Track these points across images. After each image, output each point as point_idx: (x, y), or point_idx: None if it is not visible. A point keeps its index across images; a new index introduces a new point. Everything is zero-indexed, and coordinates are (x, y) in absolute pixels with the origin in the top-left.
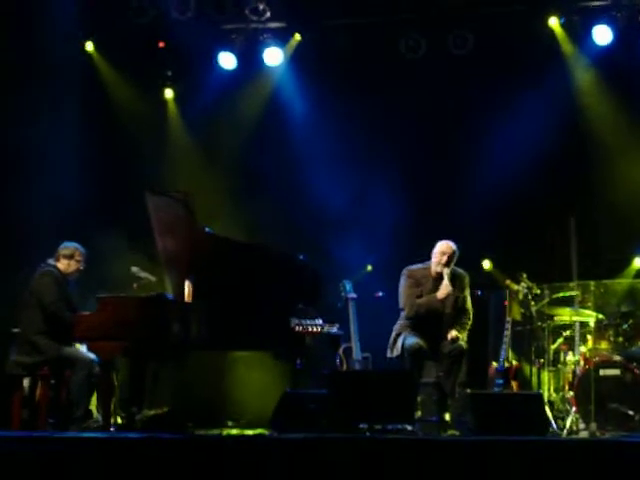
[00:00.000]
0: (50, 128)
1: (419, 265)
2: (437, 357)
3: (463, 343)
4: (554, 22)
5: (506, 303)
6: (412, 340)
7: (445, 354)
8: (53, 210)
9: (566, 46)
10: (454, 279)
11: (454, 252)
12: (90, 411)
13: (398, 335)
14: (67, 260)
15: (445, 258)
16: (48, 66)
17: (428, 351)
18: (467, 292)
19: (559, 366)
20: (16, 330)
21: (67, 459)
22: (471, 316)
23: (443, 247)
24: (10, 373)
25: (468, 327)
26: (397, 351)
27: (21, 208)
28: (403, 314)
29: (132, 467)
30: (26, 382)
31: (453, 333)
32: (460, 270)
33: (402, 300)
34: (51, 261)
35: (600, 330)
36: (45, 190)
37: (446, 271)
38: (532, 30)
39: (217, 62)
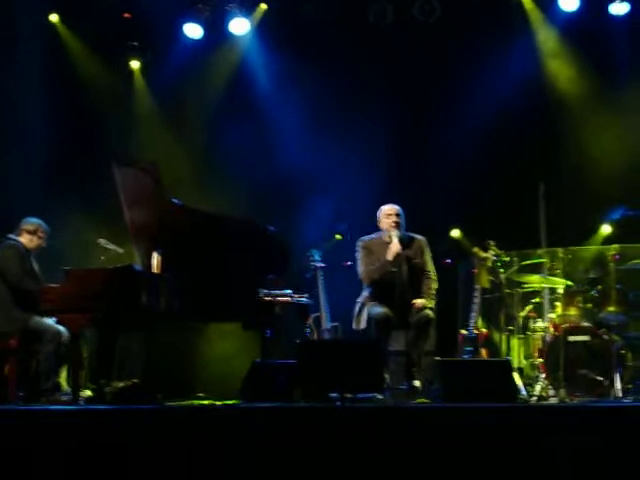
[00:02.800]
0: (14, 100)
1: (372, 235)
2: (404, 325)
3: (430, 312)
4: None
5: (475, 271)
6: (378, 310)
7: (412, 323)
8: (16, 182)
9: (532, 12)
10: (410, 243)
11: (397, 212)
12: (59, 383)
13: (362, 307)
14: (30, 235)
15: (392, 219)
16: (12, 37)
17: (395, 320)
18: (427, 256)
19: (528, 333)
20: None
21: (36, 432)
22: (436, 279)
23: (386, 210)
24: None
25: (433, 292)
26: (363, 323)
27: None
28: (365, 289)
29: (102, 439)
30: None
31: (419, 302)
32: (417, 235)
33: (359, 271)
34: (13, 236)
35: (569, 297)
36: (7, 162)
37: (394, 233)
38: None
39: (183, 32)
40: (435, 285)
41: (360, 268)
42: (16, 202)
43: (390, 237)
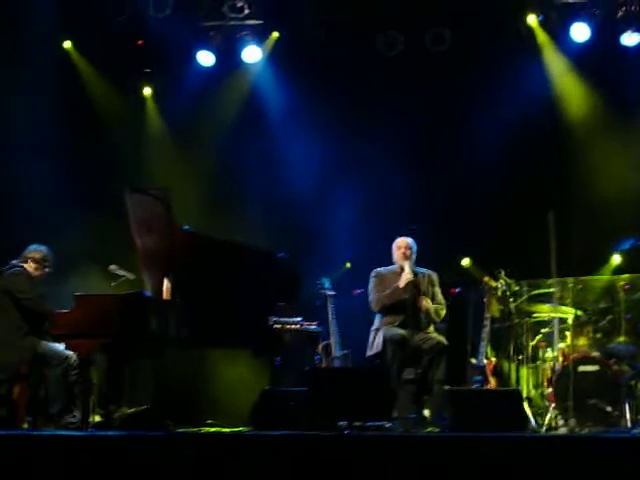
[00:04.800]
0: (27, 126)
1: (386, 267)
2: (415, 355)
3: (443, 339)
4: (532, 19)
5: (485, 300)
6: (393, 331)
7: (425, 350)
8: (28, 207)
9: (544, 43)
10: (421, 277)
11: (408, 245)
12: (68, 408)
13: (377, 332)
14: (36, 264)
15: (402, 251)
16: (26, 63)
17: (409, 342)
18: (437, 289)
19: (538, 362)
20: None
21: (45, 457)
22: (444, 307)
23: (398, 242)
24: None
25: (441, 311)
26: (377, 347)
27: None
28: (377, 316)
29: (111, 465)
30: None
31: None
32: (429, 270)
33: (370, 299)
34: (16, 262)
35: (578, 326)
36: (18, 186)
37: (407, 263)
38: (510, 27)
39: (195, 59)
40: (443, 311)
41: (371, 296)
42: (25, 226)
43: (402, 267)
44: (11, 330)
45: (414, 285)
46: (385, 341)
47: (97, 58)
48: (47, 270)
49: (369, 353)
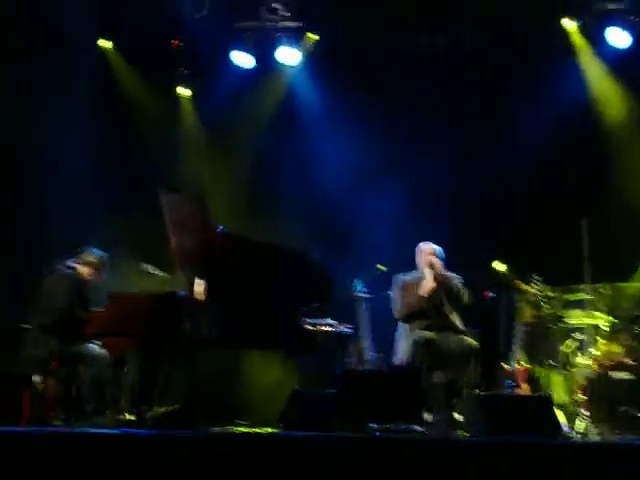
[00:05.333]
0: (65, 126)
1: (409, 273)
2: (446, 358)
3: (474, 342)
4: (570, 24)
5: (517, 305)
6: (420, 333)
7: (457, 353)
8: (68, 207)
9: (581, 47)
10: (445, 282)
11: (431, 252)
12: (101, 407)
13: (401, 339)
14: (89, 268)
15: (426, 258)
16: (64, 64)
17: (438, 347)
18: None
19: (570, 369)
20: (26, 326)
21: (77, 455)
22: (467, 294)
23: (421, 249)
24: (21, 371)
25: (465, 296)
26: (403, 354)
27: (36, 205)
28: (400, 323)
29: (143, 464)
30: (37, 378)
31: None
32: (453, 274)
33: (393, 307)
34: (71, 262)
35: (612, 333)
36: (59, 188)
37: (428, 271)
38: (547, 31)
39: (233, 61)
40: (466, 295)
41: (394, 304)
42: (65, 227)
43: (425, 275)
44: (44, 328)
45: (435, 292)
46: (412, 344)
47: (134, 59)
48: (101, 277)
49: (394, 360)
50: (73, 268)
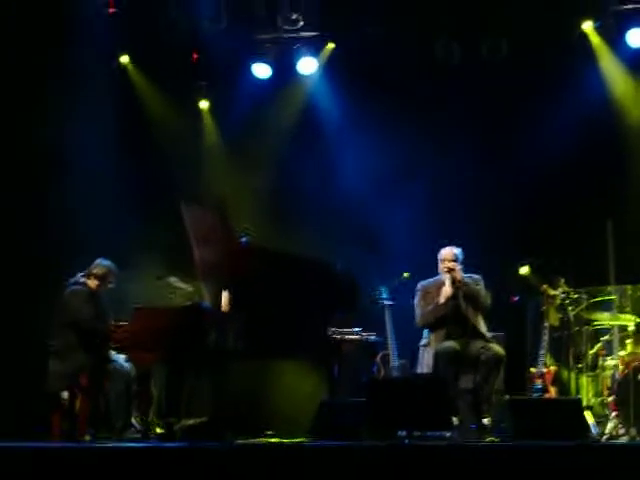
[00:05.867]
0: (86, 141)
1: (430, 280)
2: (473, 360)
3: (501, 350)
4: (588, 26)
5: (544, 308)
6: (445, 345)
7: (483, 361)
8: (90, 219)
9: (601, 50)
10: (463, 288)
11: (451, 258)
12: (129, 421)
13: (425, 349)
14: (98, 281)
15: (445, 264)
16: (84, 79)
17: (462, 356)
18: (480, 287)
19: (598, 371)
20: (52, 343)
21: (107, 470)
22: (488, 298)
23: (441, 254)
24: (49, 390)
25: (482, 291)
26: (427, 365)
27: (59, 219)
28: (425, 331)
29: (172, 477)
30: (65, 394)
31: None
32: (474, 275)
33: (415, 314)
34: (81, 277)
35: (639, 334)
36: (81, 200)
37: (448, 277)
38: (566, 35)
39: (251, 72)
40: (487, 298)
41: (416, 311)
42: (85, 241)
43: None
44: (69, 344)
45: (455, 299)
46: (437, 356)
47: (153, 73)
48: (109, 286)
49: (420, 370)
50: (83, 282)
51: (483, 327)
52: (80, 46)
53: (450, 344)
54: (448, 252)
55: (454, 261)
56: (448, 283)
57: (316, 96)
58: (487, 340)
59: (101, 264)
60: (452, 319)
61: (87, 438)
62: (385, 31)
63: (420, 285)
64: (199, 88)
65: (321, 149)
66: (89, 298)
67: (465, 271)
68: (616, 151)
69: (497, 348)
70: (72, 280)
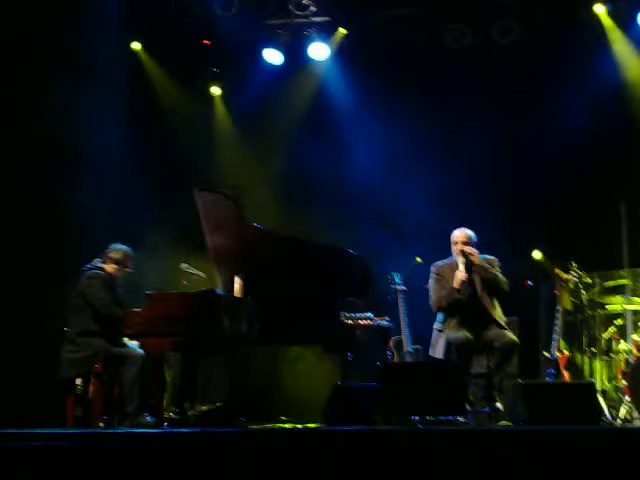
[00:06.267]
0: (99, 127)
1: (445, 260)
2: (487, 347)
3: (514, 337)
4: (600, 9)
5: (557, 292)
6: (458, 334)
7: (497, 348)
8: (103, 206)
9: (612, 33)
10: (482, 272)
11: (464, 240)
12: (143, 407)
13: (440, 334)
14: (116, 265)
15: (458, 247)
16: (96, 65)
17: (475, 343)
18: (497, 271)
19: (611, 355)
20: (66, 329)
21: (120, 455)
22: (506, 282)
23: (454, 236)
24: (63, 376)
25: (499, 276)
26: (440, 351)
27: (72, 205)
28: (439, 315)
29: (186, 462)
30: (79, 380)
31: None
32: (488, 256)
33: (430, 296)
34: (98, 262)
35: None
36: (95, 187)
37: (461, 260)
38: (577, 17)
39: (263, 58)
40: (504, 284)
41: (430, 294)
42: (100, 227)
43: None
44: (84, 329)
45: (471, 284)
46: (450, 345)
47: (165, 59)
48: (127, 270)
49: (432, 353)
50: (100, 267)
51: (499, 313)
52: (92, 32)
53: (463, 334)
54: (461, 234)
55: (467, 243)
56: (462, 267)
57: (328, 81)
58: (502, 327)
59: (117, 248)
60: (467, 305)
61: (101, 424)
62: (396, 16)
63: (434, 266)
64: (211, 74)
65: (333, 134)
66: (107, 283)
67: (479, 253)
68: (629, 133)
69: (511, 335)
70: (89, 265)
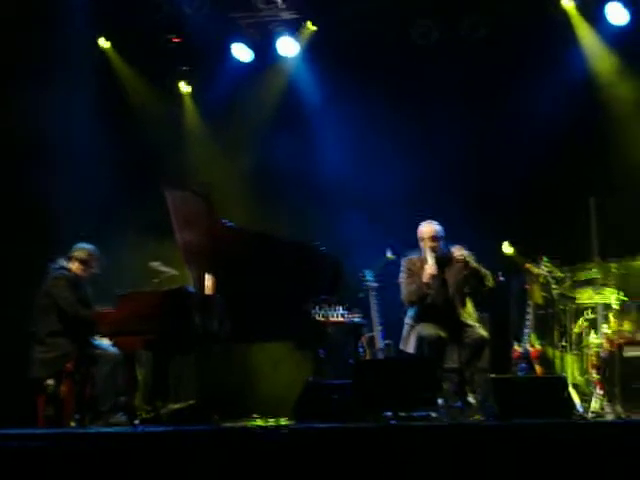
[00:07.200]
0: (67, 124)
1: (416, 254)
2: (457, 343)
3: (485, 332)
4: (568, 2)
5: (527, 287)
6: (429, 330)
7: (467, 343)
8: (71, 205)
9: (580, 27)
10: (449, 259)
11: (432, 234)
12: (115, 406)
13: (411, 329)
14: (81, 265)
15: (427, 242)
16: (65, 61)
17: (447, 339)
18: (471, 260)
19: (583, 348)
20: (34, 330)
21: (93, 454)
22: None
23: (421, 232)
24: (34, 376)
25: (485, 272)
26: (412, 346)
27: (40, 202)
28: (409, 310)
29: (158, 460)
30: (51, 381)
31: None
32: (457, 246)
33: (401, 291)
34: (63, 261)
35: (623, 311)
36: (63, 185)
37: (430, 254)
38: (546, 11)
39: (232, 55)
40: (489, 278)
41: (401, 287)
42: (69, 226)
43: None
44: (52, 330)
45: (440, 278)
46: (421, 341)
47: (134, 57)
48: (93, 270)
49: (403, 347)
50: (65, 267)
51: (469, 310)
52: (60, 29)
53: (434, 329)
54: (428, 229)
55: (435, 238)
56: (431, 262)
57: (297, 77)
58: (471, 323)
59: (82, 247)
60: (438, 300)
61: (73, 423)
62: (364, 10)
63: (405, 260)
64: (180, 72)
65: (303, 130)
66: (72, 283)
67: (447, 245)
68: (598, 128)
69: (481, 331)
70: (54, 265)
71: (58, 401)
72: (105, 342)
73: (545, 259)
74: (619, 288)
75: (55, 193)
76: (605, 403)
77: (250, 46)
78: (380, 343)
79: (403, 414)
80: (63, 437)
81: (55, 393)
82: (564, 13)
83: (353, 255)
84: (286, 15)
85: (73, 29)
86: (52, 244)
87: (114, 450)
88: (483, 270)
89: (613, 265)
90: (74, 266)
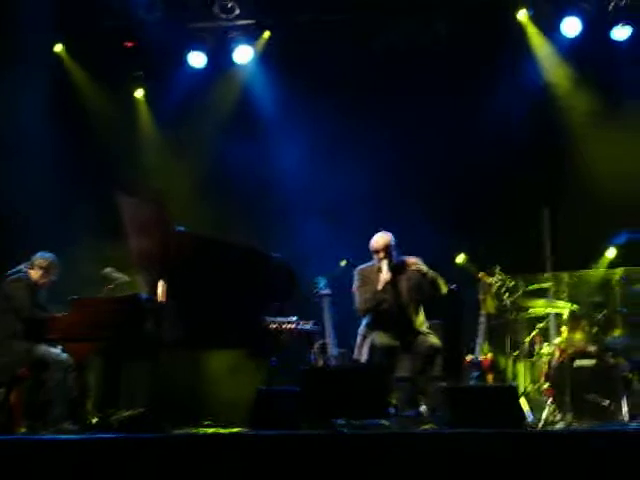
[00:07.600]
0: (20, 129)
1: (369, 263)
2: (410, 351)
3: (437, 340)
4: (522, 14)
5: (480, 296)
6: (382, 340)
7: (419, 352)
8: (22, 211)
9: (534, 38)
10: (403, 268)
11: (383, 246)
12: (66, 412)
13: (364, 338)
14: (41, 271)
15: (379, 254)
16: (18, 67)
17: (399, 348)
18: (424, 268)
19: (534, 358)
20: None
21: (42, 461)
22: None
23: (373, 246)
24: None
25: (438, 277)
26: (365, 354)
27: None
28: (363, 320)
29: (108, 468)
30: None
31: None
32: (410, 257)
33: (355, 301)
34: (24, 267)
35: (574, 321)
36: (13, 190)
37: (384, 262)
38: (502, 22)
39: (187, 61)
40: (444, 286)
41: (356, 297)
42: (21, 232)
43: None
44: (7, 334)
45: (394, 286)
46: (373, 349)
47: (89, 62)
48: (52, 278)
49: (357, 357)
50: (25, 272)
51: (421, 319)
52: (14, 32)
53: (387, 338)
54: (380, 241)
55: (387, 248)
56: (385, 269)
57: (252, 85)
58: (423, 331)
59: (45, 256)
60: (391, 309)
61: (22, 430)
62: (320, 20)
63: (358, 270)
64: (134, 77)
65: (257, 136)
66: (29, 287)
67: (397, 254)
68: (552, 139)
69: (433, 339)
70: (13, 270)
71: (8, 407)
72: (56, 348)
73: (498, 269)
74: (571, 298)
75: (9, 198)
76: (555, 412)
77: (205, 52)
78: (333, 350)
79: (354, 422)
80: (11, 443)
81: (5, 399)
82: (519, 24)
83: (309, 262)
84: (242, 22)
85: (28, 31)
86: (9, 249)
87: (63, 457)
88: (439, 278)
89: (565, 275)
90: (34, 273)
